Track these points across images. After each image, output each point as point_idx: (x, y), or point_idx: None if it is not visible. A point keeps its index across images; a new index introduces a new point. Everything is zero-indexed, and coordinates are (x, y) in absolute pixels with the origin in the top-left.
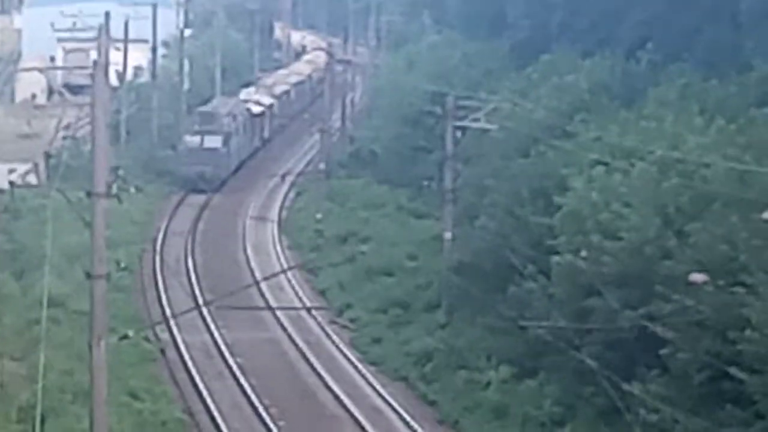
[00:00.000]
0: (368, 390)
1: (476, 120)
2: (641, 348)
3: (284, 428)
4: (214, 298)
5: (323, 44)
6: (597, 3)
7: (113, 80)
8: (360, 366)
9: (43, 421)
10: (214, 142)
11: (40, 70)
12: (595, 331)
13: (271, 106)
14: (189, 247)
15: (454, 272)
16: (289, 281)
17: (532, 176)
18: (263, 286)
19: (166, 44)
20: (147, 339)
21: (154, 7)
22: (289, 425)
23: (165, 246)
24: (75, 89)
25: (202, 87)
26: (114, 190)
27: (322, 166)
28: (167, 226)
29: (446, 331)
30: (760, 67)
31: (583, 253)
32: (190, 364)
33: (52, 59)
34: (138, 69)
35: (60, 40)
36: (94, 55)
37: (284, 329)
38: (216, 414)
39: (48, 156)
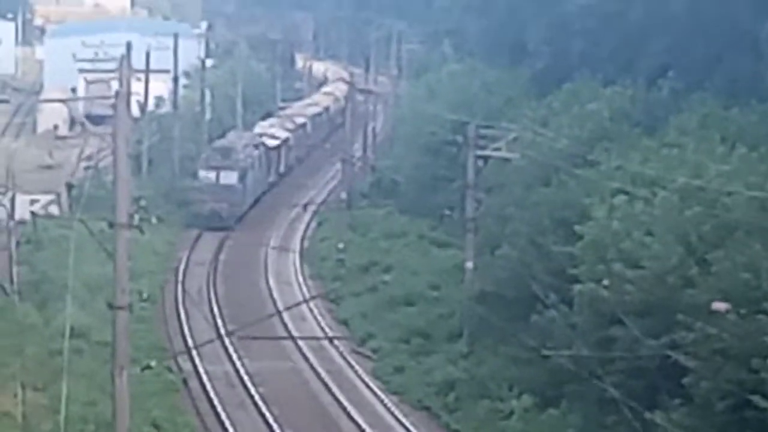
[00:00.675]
0: (391, 420)
1: (497, 149)
2: (664, 377)
3: None
4: (236, 328)
5: (344, 74)
6: (618, 31)
7: (135, 111)
8: (382, 396)
9: None
10: (230, 178)
11: (62, 101)
12: (617, 360)
13: (287, 140)
14: (211, 277)
15: (476, 301)
16: (311, 311)
17: (553, 205)
18: (285, 315)
19: (187, 74)
20: (169, 369)
21: (176, 37)
22: None
23: (187, 276)
24: (96, 120)
25: (224, 117)
26: (136, 220)
27: (343, 195)
28: (189, 257)
29: (468, 360)
30: None
31: (606, 282)
32: (212, 394)
33: (74, 90)
34: (159, 99)
35: (81, 71)
36: (115, 85)
37: (306, 359)
38: None
39: (70, 186)
